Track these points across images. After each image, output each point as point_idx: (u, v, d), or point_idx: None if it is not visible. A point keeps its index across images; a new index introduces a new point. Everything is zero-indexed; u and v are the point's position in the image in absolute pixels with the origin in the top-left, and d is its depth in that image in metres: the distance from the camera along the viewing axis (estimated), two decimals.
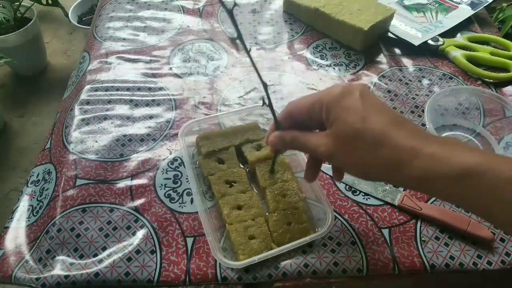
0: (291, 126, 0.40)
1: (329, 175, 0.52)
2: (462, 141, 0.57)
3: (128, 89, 0.62)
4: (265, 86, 0.39)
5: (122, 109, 0.59)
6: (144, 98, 0.61)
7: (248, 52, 0.36)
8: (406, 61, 0.68)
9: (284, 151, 0.45)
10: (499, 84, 0.64)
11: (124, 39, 0.71)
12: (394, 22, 0.72)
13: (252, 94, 0.62)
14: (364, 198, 0.50)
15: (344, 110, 0.34)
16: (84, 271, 0.44)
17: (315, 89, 0.63)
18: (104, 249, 0.46)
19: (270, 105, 0.41)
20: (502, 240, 0.47)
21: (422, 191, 0.34)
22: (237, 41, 0.36)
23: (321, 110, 0.35)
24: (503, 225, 0.32)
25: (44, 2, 1.57)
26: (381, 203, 0.50)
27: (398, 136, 0.32)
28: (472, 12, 0.74)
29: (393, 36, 0.71)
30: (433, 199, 0.50)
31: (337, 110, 0.34)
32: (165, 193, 0.50)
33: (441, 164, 0.30)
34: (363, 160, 0.33)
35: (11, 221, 0.49)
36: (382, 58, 0.69)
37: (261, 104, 0.40)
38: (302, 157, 0.50)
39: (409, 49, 0.69)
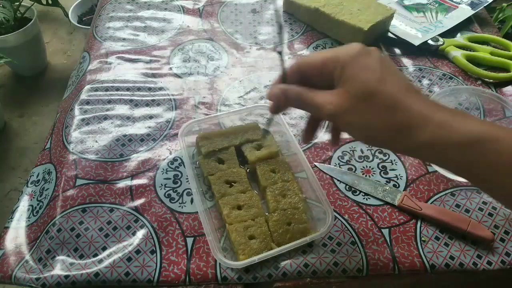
0: (298, 82, 0.37)
1: (329, 175, 0.52)
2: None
3: (128, 89, 0.62)
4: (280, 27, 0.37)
5: (122, 109, 0.59)
6: (144, 98, 0.61)
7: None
8: (406, 61, 0.68)
9: (284, 109, 0.41)
10: (499, 84, 0.64)
11: (124, 39, 0.71)
12: (394, 22, 0.72)
13: (252, 94, 0.62)
14: (364, 198, 0.50)
15: (361, 68, 0.33)
16: (84, 271, 0.44)
17: None
18: (104, 249, 0.46)
19: (281, 52, 0.38)
20: (502, 240, 0.47)
21: (428, 159, 0.33)
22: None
23: (335, 66, 0.34)
24: (507, 197, 0.31)
25: (44, 2, 1.57)
26: (381, 203, 0.50)
27: (411, 101, 0.31)
28: (472, 12, 0.74)
29: (393, 36, 0.71)
30: (433, 199, 0.50)
31: (354, 67, 0.33)
32: (165, 193, 0.50)
33: (452, 131, 0.30)
34: (371, 122, 0.32)
35: (11, 221, 0.49)
36: None
37: (277, 52, 0.39)
38: (303, 157, 0.50)
39: (409, 49, 0.69)
